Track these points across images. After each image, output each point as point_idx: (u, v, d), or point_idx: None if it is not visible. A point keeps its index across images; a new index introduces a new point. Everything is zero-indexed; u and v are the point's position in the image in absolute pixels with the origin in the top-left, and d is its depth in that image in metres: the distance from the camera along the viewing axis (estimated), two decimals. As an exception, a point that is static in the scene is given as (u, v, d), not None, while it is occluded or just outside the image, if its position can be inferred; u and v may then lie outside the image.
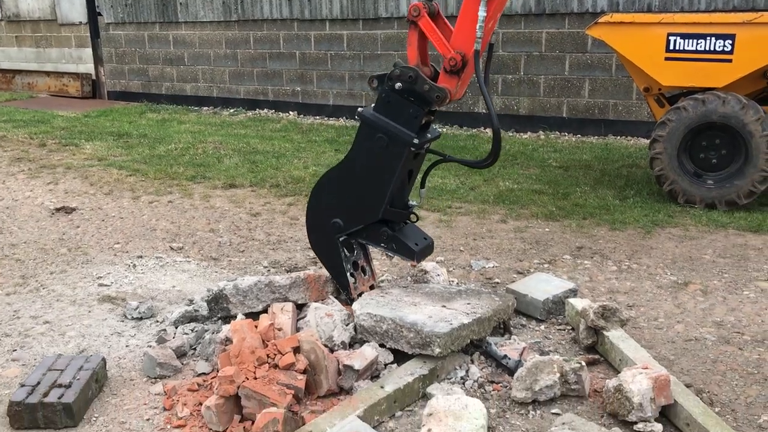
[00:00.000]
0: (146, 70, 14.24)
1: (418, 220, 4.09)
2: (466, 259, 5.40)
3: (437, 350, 3.51)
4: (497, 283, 4.94)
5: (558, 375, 3.37)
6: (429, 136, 3.95)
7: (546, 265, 5.25)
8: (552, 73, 10.14)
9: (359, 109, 3.97)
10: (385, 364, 3.69)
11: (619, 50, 6.74)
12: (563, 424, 3.05)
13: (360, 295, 4.12)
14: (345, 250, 4.15)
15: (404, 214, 4.03)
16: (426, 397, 3.45)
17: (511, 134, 10.33)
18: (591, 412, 3.35)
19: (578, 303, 4.13)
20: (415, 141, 3.77)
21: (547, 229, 6.04)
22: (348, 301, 4.21)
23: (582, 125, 10.05)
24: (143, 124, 11.55)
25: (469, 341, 3.70)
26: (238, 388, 3.33)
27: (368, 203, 3.97)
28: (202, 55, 13.45)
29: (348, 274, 4.14)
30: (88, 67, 15.05)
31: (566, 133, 10.13)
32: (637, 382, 3.18)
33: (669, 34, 6.40)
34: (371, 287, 4.27)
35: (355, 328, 3.88)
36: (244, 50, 12.92)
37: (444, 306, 3.85)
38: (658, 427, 3.14)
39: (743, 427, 3.23)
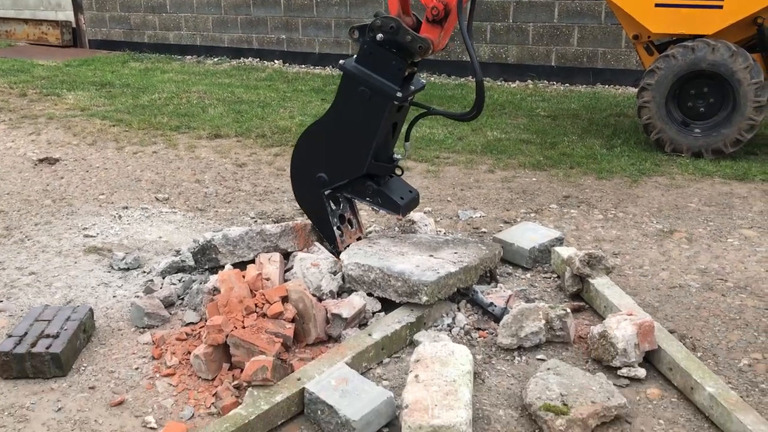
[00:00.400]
0: (128, 18, 13.92)
1: (403, 173, 4.07)
2: (453, 210, 5.40)
3: (424, 298, 3.54)
4: (484, 232, 4.96)
5: (543, 322, 3.42)
6: (413, 88, 3.88)
7: (533, 215, 5.26)
8: (541, 21, 10.01)
9: (341, 61, 3.89)
10: (373, 313, 3.72)
11: (609, -4, 6.64)
12: (548, 369, 3.09)
13: (347, 247, 4.12)
14: (331, 204, 4.13)
15: (389, 168, 3.99)
16: (413, 344, 3.48)
17: (499, 83, 10.24)
18: (576, 358, 3.40)
19: (564, 251, 4.15)
20: (399, 94, 3.70)
21: (534, 179, 6.04)
22: (335, 253, 4.21)
23: (570, 74, 9.97)
24: (126, 74, 11.34)
25: (455, 290, 3.73)
26: (227, 337, 3.34)
27: (352, 157, 3.92)
28: (185, 2, 13.14)
29: (334, 227, 4.13)
30: (67, 15, 14.67)
31: (555, 82, 10.06)
32: (621, 328, 3.22)
33: (659, -20, 6.30)
34: (358, 239, 4.27)
35: (342, 278, 3.89)
36: (227, -3, 12.64)
37: (431, 255, 3.87)
38: (642, 371, 3.20)
39: (724, 371, 3.29)
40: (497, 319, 3.65)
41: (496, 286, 4.05)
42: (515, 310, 3.46)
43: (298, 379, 3.15)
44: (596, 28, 9.67)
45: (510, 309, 3.60)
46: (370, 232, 4.74)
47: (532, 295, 4.02)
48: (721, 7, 6.16)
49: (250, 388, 3.12)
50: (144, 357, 3.55)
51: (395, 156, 4.05)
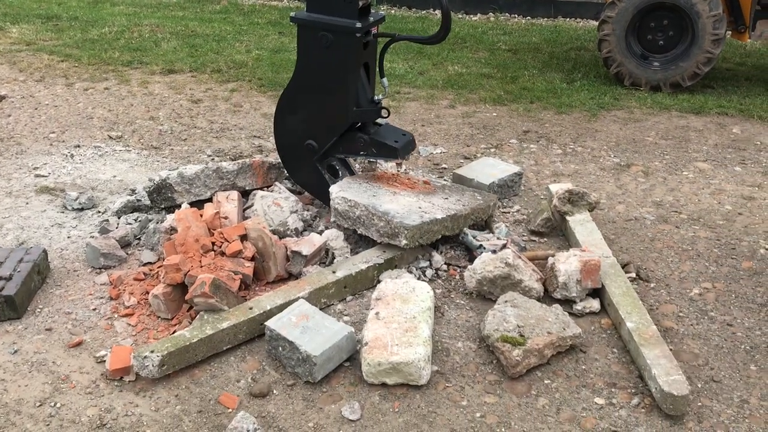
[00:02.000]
0: (73, -54, 13.23)
1: (389, 114, 3.90)
2: (413, 145, 5.36)
3: (403, 242, 3.46)
4: (444, 168, 4.95)
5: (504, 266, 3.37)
6: (372, 19, 3.78)
7: (493, 150, 5.26)
8: (502, -49, 9.81)
9: (291, 14, 3.74)
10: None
11: (571, -74, 6.51)
12: (506, 302, 3.14)
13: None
14: (329, 175, 3.99)
15: (374, 111, 3.84)
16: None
17: (460, 16, 10.08)
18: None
19: (555, 187, 4.06)
20: (358, 25, 3.57)
21: (494, 114, 6.01)
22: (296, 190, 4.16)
23: (532, 6, 9.85)
24: (73, 6, 10.85)
25: (439, 236, 3.63)
26: (185, 275, 3.31)
27: (334, 111, 3.77)
28: (133, -70, 12.53)
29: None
30: (7, -57, 13.88)
31: (516, 15, 9.94)
32: (568, 263, 3.27)
33: None
34: None
35: (303, 219, 3.87)
36: (178, -76, 12.06)
37: (421, 198, 3.78)
38: (594, 304, 3.26)
39: (676, 300, 3.39)
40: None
41: (491, 233, 3.98)
42: (481, 258, 3.40)
43: (250, 308, 3.16)
44: (558, -41, 9.53)
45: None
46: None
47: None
48: (682, -63, 6.10)
49: (201, 313, 3.14)
50: (101, 298, 3.51)
51: (376, 98, 3.90)
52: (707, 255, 3.77)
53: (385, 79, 3.97)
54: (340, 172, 3.98)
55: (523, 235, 3.99)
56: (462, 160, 5.07)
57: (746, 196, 4.43)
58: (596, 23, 9.31)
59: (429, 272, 3.59)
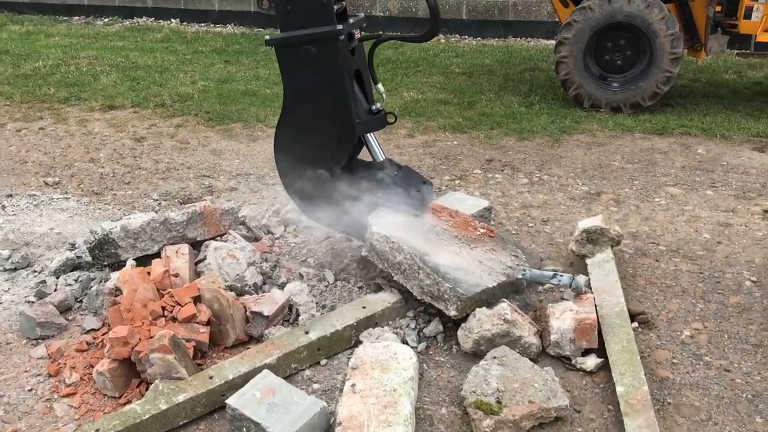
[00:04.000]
0: (2, -24, 12.68)
1: (396, 120, 3.57)
2: (374, 179, 5.10)
3: (452, 312, 3.07)
4: (409, 204, 4.69)
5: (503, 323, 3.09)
6: (352, 21, 3.45)
7: (457, 181, 5.03)
8: (450, -28, 9.69)
9: (266, 38, 3.44)
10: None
11: (523, -53, 6.39)
12: (494, 358, 2.87)
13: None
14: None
15: (378, 120, 3.50)
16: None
17: (410, 38, 9.91)
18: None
19: (584, 224, 3.76)
20: (339, 27, 3.26)
21: (455, 142, 5.80)
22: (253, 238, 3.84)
23: (482, 27, 9.75)
24: (4, 38, 10.32)
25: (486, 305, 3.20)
26: (132, 350, 2.96)
27: (337, 130, 3.43)
28: (66, -43, 12.07)
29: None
30: (-68, -27, 13.22)
31: (467, 36, 9.83)
32: (562, 319, 3.04)
33: (574, -71, 6.09)
34: None
35: (262, 272, 3.56)
36: (114, -49, 11.67)
37: (478, 250, 3.36)
38: (590, 363, 3.01)
39: (667, 344, 3.18)
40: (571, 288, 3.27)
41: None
42: (476, 315, 3.09)
43: (210, 378, 2.84)
44: (506, -22, 9.45)
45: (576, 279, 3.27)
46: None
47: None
48: (636, -44, 6.02)
49: (156, 381, 2.84)
50: (38, 375, 3.13)
51: (375, 107, 3.55)
52: (693, 291, 3.58)
53: (380, 85, 3.62)
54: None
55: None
56: (426, 195, 4.82)
57: (722, 222, 4.29)
58: (547, 42, 9.27)
59: (412, 334, 3.25)
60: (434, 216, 3.60)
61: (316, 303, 3.45)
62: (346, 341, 3.17)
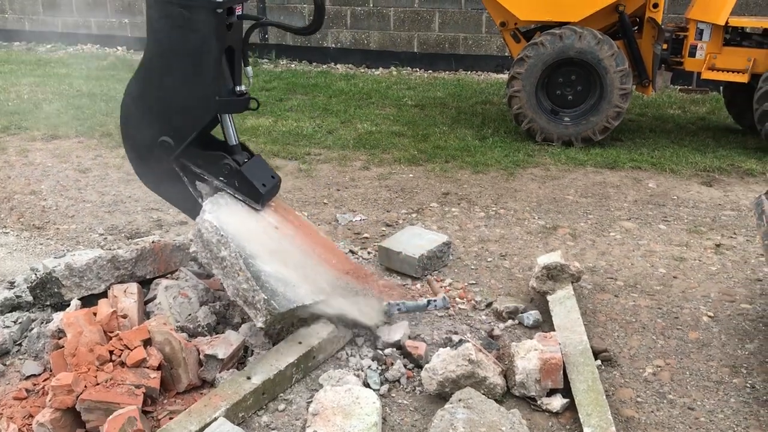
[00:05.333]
0: (-61, -1, 12.25)
1: (259, 106, 3.35)
2: (331, 213, 5.01)
3: (259, 324, 3.05)
4: (366, 238, 4.61)
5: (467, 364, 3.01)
6: None
7: (414, 215, 4.97)
8: (402, 6, 9.76)
9: None
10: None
11: (476, -18, 6.46)
12: (459, 400, 2.78)
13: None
14: (186, 175, 3.38)
15: (240, 102, 3.25)
16: (300, 383, 3.07)
17: (362, 70, 9.92)
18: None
19: (542, 260, 3.77)
20: (219, 0, 3.02)
21: (411, 175, 5.76)
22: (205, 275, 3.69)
23: (433, 60, 9.83)
24: (-60, 64, 9.93)
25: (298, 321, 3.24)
26: (77, 398, 2.77)
27: (192, 101, 3.18)
28: (8, -18, 11.73)
29: (199, 199, 3.35)
30: None
31: (418, 69, 9.89)
32: (527, 358, 2.98)
33: (527, -33, 6.19)
34: None
35: (215, 312, 3.41)
36: (58, -23, 11.41)
37: (311, 254, 3.32)
38: (556, 404, 2.94)
39: (631, 383, 3.15)
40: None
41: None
42: (441, 356, 3.01)
43: (161, 443, 2.66)
44: (457, 13, 9.56)
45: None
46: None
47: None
48: (586, -6, 6.15)
49: None
50: (-28, 426, 2.90)
51: (240, 89, 3.31)
52: (652, 327, 3.58)
53: (249, 68, 3.39)
54: (198, 175, 3.37)
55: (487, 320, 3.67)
56: (384, 228, 4.75)
57: (677, 256, 4.33)
58: (497, 75, 9.39)
59: (374, 376, 3.15)
60: (280, 218, 3.44)
61: (273, 343, 3.32)
62: (288, 380, 3.07)
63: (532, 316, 3.63)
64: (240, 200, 3.33)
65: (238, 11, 3.22)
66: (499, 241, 4.58)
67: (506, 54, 9.34)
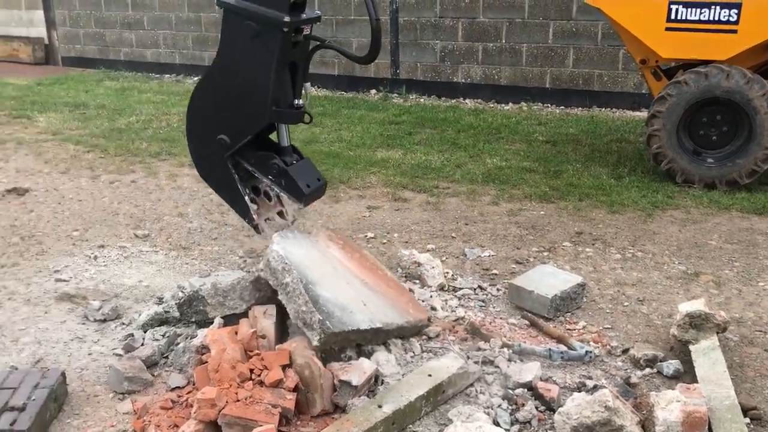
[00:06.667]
0: (103, 35, 13.43)
1: (312, 121, 3.61)
2: (459, 247, 5.01)
3: (314, 342, 3.17)
4: (495, 274, 4.56)
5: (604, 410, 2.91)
6: (305, 16, 3.45)
7: (545, 253, 4.88)
8: (535, 42, 9.71)
9: None
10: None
11: (616, 19, 6.33)
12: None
13: (267, 220, 3.75)
14: (238, 172, 3.70)
15: (295, 114, 3.54)
16: (429, 416, 3.07)
17: (492, 105, 9.91)
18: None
19: (688, 307, 3.64)
20: (287, 19, 3.27)
21: (542, 212, 5.67)
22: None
23: (566, 96, 9.68)
24: (101, 93, 10.84)
25: (354, 345, 3.38)
26: (219, 412, 2.90)
27: (251, 107, 3.48)
28: (163, 19, 12.70)
29: (246, 198, 3.71)
30: (40, 31, 14.14)
31: (549, 105, 9.76)
32: (668, 410, 2.83)
33: (671, 2, 6.00)
34: (279, 214, 3.83)
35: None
36: (208, 14, 12.20)
37: (365, 292, 3.54)
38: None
39: (785, 447, 2.92)
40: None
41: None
42: (576, 401, 2.92)
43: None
44: (592, 49, 9.39)
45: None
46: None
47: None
48: (735, 31, 5.87)
49: None
50: (124, 431, 3.10)
51: (297, 102, 3.58)
52: (810, 387, 3.31)
53: (308, 84, 3.66)
54: (250, 173, 3.69)
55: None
56: (514, 265, 4.69)
57: (837, 312, 4.00)
58: (634, 113, 9.11)
59: (504, 415, 3.11)
60: (346, 254, 3.77)
61: (402, 375, 3.34)
62: (417, 412, 3.09)
63: (672, 365, 3.46)
64: (304, 235, 3.65)
65: (306, 31, 3.46)
66: (637, 285, 4.41)
67: (643, 91, 9.06)
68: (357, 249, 4.01)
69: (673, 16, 6.04)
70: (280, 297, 3.35)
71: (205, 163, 3.76)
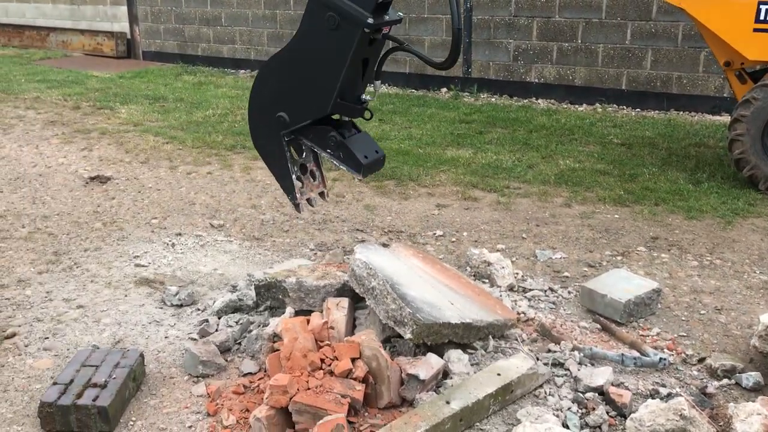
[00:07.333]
0: (182, 30, 13.83)
1: (372, 117, 3.59)
2: (529, 248, 4.96)
3: (408, 335, 3.23)
4: (567, 277, 4.50)
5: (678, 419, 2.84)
6: (387, 18, 3.41)
7: (619, 258, 4.78)
8: (612, 42, 9.50)
9: None
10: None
11: (701, 20, 6.13)
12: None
13: (308, 200, 3.75)
14: (292, 151, 3.71)
15: (357, 110, 3.51)
16: (497, 415, 3.05)
17: (565, 106, 9.75)
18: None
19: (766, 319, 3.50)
20: (369, 21, 3.22)
21: (616, 216, 5.55)
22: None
23: (642, 98, 9.43)
24: (179, 87, 11.17)
25: (446, 341, 3.39)
26: (290, 399, 2.96)
27: (316, 94, 3.48)
28: (240, 16, 12.98)
29: (293, 176, 3.71)
30: (123, 26, 14.67)
31: (625, 107, 9.53)
32: (749, 422, 2.74)
33: (760, 3, 5.78)
34: (321, 194, 3.86)
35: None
36: (283, 11, 12.42)
37: (447, 292, 3.59)
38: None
39: None
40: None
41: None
42: (650, 407, 2.87)
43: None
44: (672, 51, 9.13)
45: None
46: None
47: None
48: (828, 33, 5.62)
49: None
50: (198, 413, 3.20)
51: (364, 98, 3.56)
52: None
53: (378, 82, 3.65)
54: (303, 153, 3.71)
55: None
56: (586, 269, 4.61)
57: None
58: (713, 117, 8.81)
59: (574, 419, 3.07)
60: (427, 265, 3.89)
61: (470, 373, 3.33)
62: (485, 410, 3.09)
63: (752, 377, 3.34)
64: (383, 248, 3.75)
65: (386, 31, 3.45)
66: (714, 294, 4.27)
67: (725, 95, 8.76)
68: (437, 261, 4.12)
69: (762, 17, 5.81)
70: (368, 302, 3.42)
71: (261, 134, 3.79)
